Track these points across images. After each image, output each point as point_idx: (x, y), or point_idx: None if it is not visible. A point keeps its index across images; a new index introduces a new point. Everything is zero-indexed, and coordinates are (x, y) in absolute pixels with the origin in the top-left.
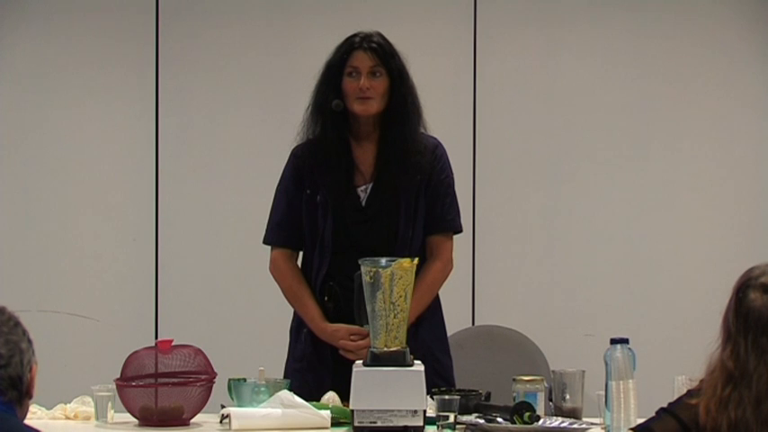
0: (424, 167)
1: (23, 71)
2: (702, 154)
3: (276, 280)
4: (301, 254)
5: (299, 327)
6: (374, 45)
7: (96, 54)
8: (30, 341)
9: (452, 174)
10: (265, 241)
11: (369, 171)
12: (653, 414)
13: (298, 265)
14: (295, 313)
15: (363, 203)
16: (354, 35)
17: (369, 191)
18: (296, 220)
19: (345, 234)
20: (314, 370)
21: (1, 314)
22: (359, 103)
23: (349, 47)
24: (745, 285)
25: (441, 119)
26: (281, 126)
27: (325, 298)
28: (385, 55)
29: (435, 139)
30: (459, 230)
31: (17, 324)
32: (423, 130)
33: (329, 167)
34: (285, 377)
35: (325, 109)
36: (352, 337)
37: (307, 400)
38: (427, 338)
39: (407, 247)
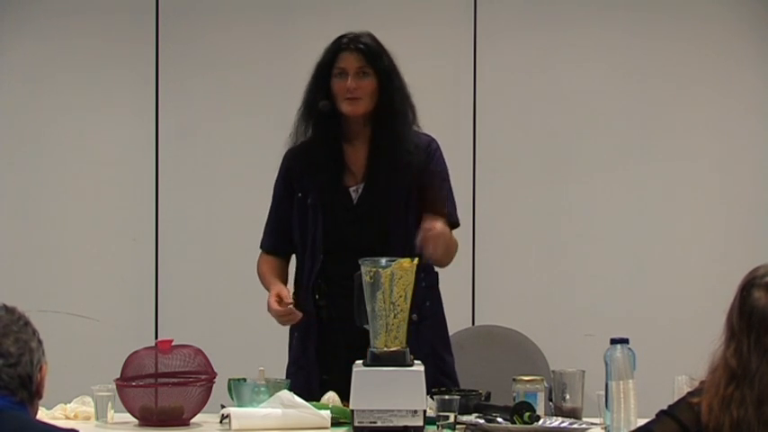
0: (416, 166)
1: (23, 71)
2: (702, 154)
3: (261, 278)
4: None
5: (292, 330)
6: (361, 46)
7: (96, 54)
8: (40, 341)
9: (447, 170)
10: (260, 246)
11: (360, 171)
12: (653, 414)
13: (277, 262)
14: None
15: (355, 203)
16: (342, 36)
17: (360, 191)
18: (283, 227)
19: (337, 234)
20: (303, 372)
21: (11, 314)
22: (347, 103)
23: (336, 48)
24: (749, 284)
25: (441, 119)
26: (280, 126)
27: (316, 296)
28: (372, 55)
29: (429, 136)
30: (456, 224)
31: (27, 323)
32: (416, 128)
33: (320, 169)
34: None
35: (314, 110)
36: (276, 301)
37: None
38: (429, 337)
39: (400, 246)
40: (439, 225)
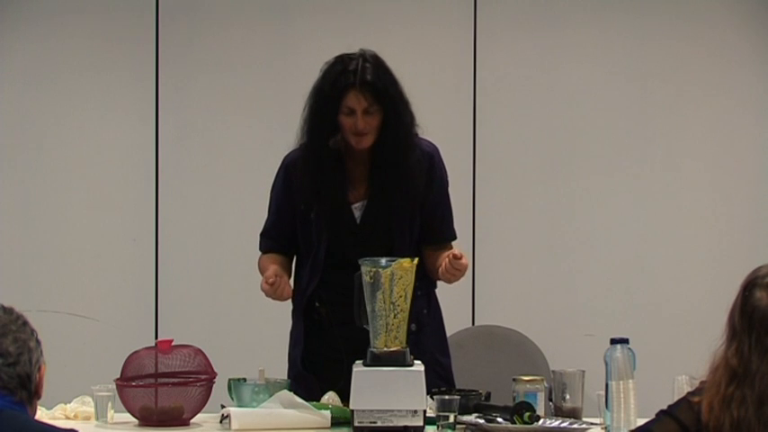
0: (419, 184)
1: (23, 72)
2: (702, 155)
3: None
4: (294, 266)
5: (292, 336)
6: (367, 85)
7: (96, 54)
8: (38, 341)
9: (447, 176)
10: (259, 248)
11: (363, 186)
12: (653, 414)
13: (277, 256)
14: (292, 318)
15: (358, 221)
16: (347, 67)
17: (363, 208)
18: (283, 230)
19: (340, 251)
20: (305, 380)
21: (9, 314)
22: (355, 139)
23: (343, 85)
24: (751, 284)
25: (441, 119)
26: (280, 126)
27: (316, 304)
28: (378, 93)
29: (431, 144)
30: (455, 238)
31: (25, 323)
32: (417, 129)
33: (323, 185)
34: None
35: (321, 145)
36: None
37: None
38: (429, 344)
39: None
40: (466, 260)
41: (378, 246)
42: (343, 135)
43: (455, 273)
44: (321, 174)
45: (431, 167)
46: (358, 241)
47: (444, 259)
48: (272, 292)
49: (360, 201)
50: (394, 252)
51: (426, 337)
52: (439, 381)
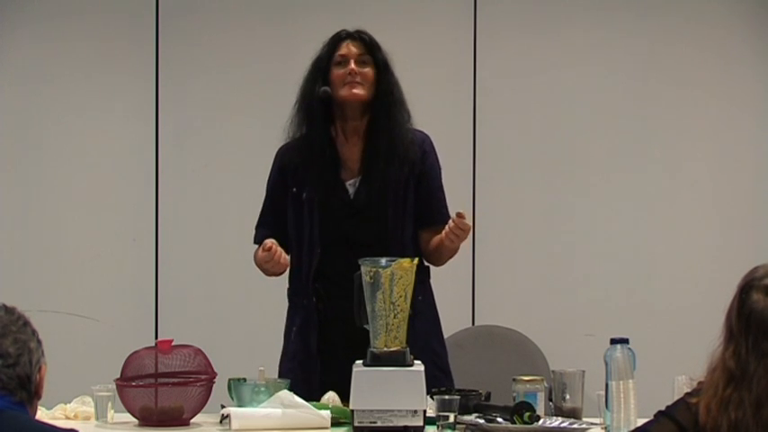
0: (413, 160)
1: (23, 72)
2: (702, 155)
3: (258, 265)
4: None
5: (290, 326)
6: (363, 35)
7: (96, 55)
8: (39, 341)
9: (439, 162)
10: (254, 241)
11: (356, 165)
12: (653, 415)
13: None
14: (287, 313)
15: (352, 197)
16: (341, 30)
17: (357, 184)
18: (277, 221)
19: (335, 229)
20: (303, 368)
21: (10, 314)
22: (348, 87)
23: (336, 39)
24: (748, 286)
25: (441, 119)
26: (280, 126)
27: (314, 299)
28: (371, 46)
29: (422, 132)
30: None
31: (26, 324)
32: (410, 125)
33: (315, 163)
34: (279, 377)
35: (312, 99)
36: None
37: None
38: (423, 330)
39: (398, 240)
40: (469, 222)
41: (373, 223)
42: (336, 95)
43: (459, 233)
44: (313, 150)
45: (423, 153)
46: (353, 218)
47: (449, 223)
48: (269, 258)
49: (353, 178)
50: (388, 228)
51: (421, 323)
52: (436, 371)
